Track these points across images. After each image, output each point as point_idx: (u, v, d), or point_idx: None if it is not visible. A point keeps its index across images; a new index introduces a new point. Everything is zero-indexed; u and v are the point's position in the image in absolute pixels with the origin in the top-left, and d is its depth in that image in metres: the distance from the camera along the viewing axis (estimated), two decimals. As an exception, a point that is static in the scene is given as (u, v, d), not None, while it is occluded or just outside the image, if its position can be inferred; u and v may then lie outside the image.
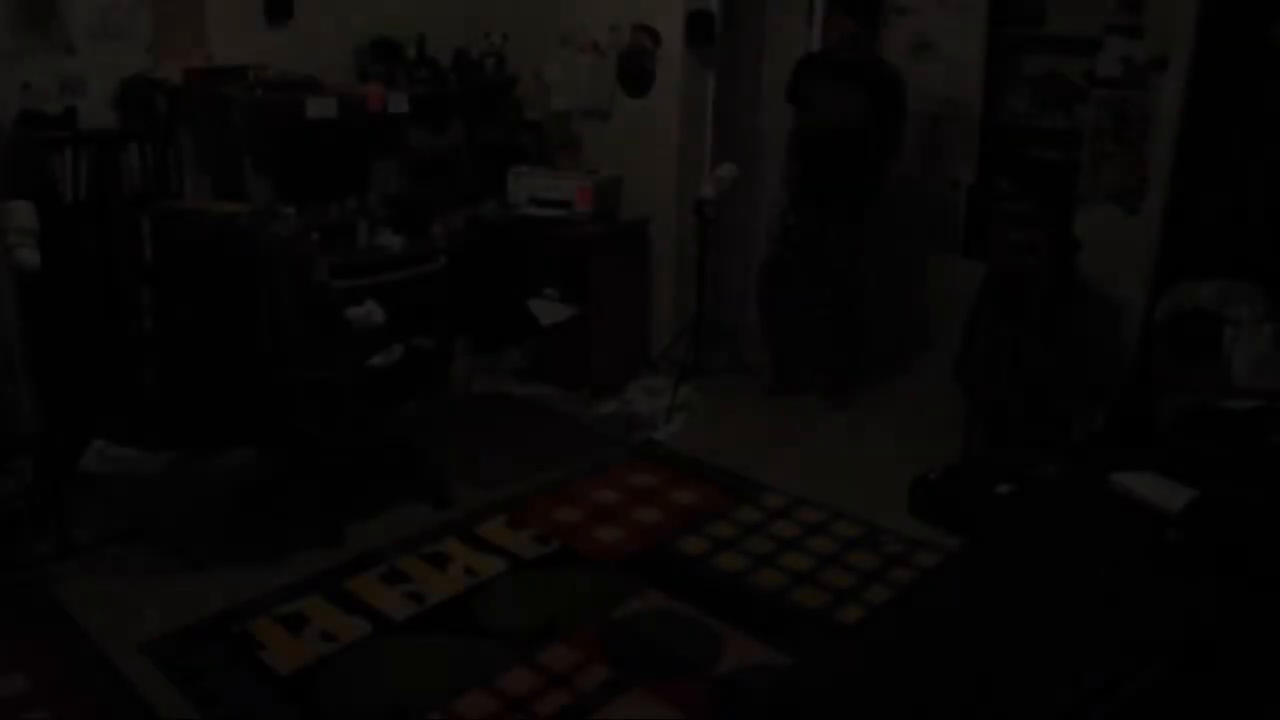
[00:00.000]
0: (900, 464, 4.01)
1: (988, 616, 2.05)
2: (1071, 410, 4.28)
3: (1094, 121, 4.36)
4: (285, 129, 4.47)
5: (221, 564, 3.24)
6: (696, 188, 4.62)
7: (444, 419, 4.28)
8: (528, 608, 3.06)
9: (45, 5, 3.96)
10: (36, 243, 2.95)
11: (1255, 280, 3.95)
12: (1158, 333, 4.10)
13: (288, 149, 4.53)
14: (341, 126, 4.57)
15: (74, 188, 3.93)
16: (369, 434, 3.62)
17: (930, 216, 5.01)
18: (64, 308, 3.67)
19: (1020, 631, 1.99)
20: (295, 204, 4.46)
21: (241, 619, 2.96)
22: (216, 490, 3.73)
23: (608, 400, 4.56)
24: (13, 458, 3.75)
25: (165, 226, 3.21)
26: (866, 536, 3.52)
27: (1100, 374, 4.40)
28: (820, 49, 4.41)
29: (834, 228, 4.35)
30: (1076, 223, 4.44)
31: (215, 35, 4.43)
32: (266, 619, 2.97)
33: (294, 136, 4.51)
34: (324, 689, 2.68)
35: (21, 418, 3.90)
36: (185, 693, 2.65)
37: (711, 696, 2.69)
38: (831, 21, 4.34)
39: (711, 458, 4.14)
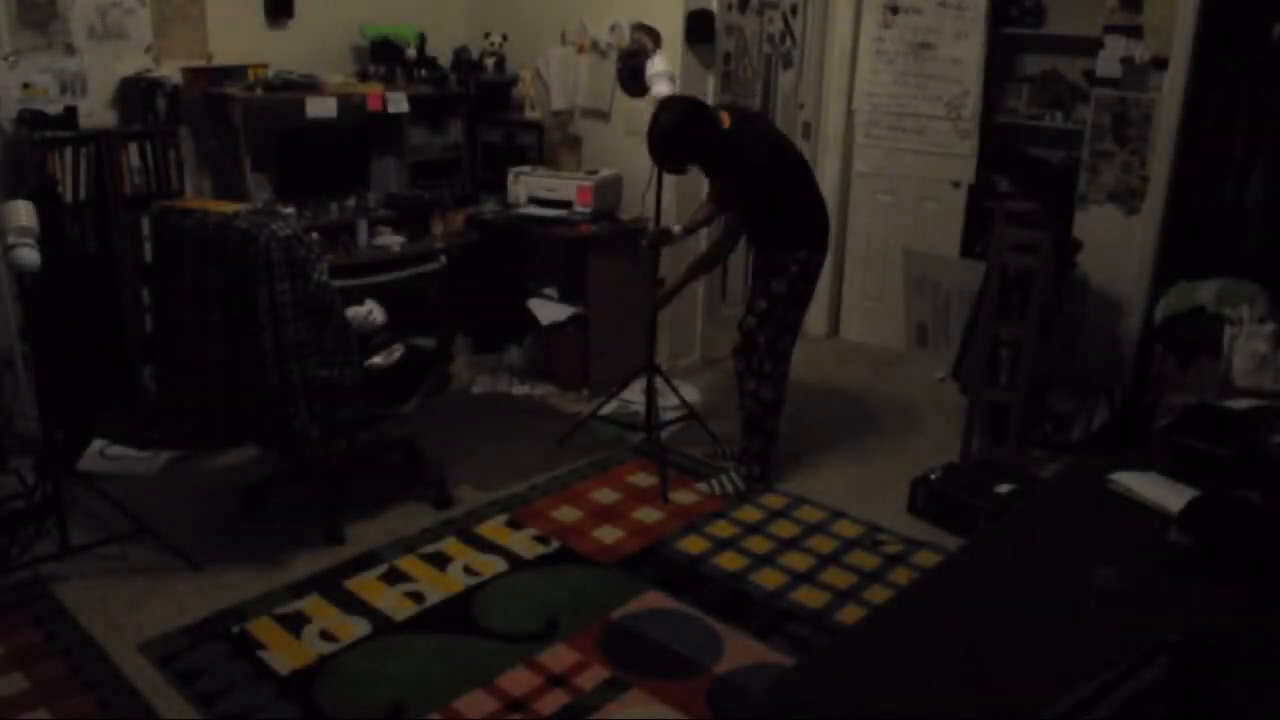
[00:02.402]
0: (900, 464, 4.01)
1: (988, 617, 2.05)
2: (1071, 410, 4.28)
3: (1094, 121, 4.37)
4: (285, 129, 4.48)
5: (221, 564, 3.24)
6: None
7: (444, 419, 4.28)
8: (528, 608, 3.06)
9: (45, 5, 3.97)
10: (36, 242, 2.94)
11: (1255, 280, 3.96)
12: (1157, 333, 4.11)
13: (288, 149, 4.54)
14: (341, 126, 4.59)
15: (74, 188, 3.94)
16: (369, 434, 3.62)
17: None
18: (64, 308, 3.67)
19: (1020, 631, 1.99)
20: (295, 204, 4.49)
21: (241, 619, 2.96)
22: (216, 490, 3.74)
23: (608, 400, 4.56)
24: (12, 458, 3.76)
25: (165, 226, 3.20)
26: (866, 536, 3.53)
27: (1100, 374, 4.40)
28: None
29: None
30: (1076, 223, 4.45)
31: (215, 35, 4.45)
32: (266, 619, 2.97)
33: (294, 136, 4.52)
34: (324, 689, 2.68)
35: (21, 418, 3.91)
36: (185, 693, 2.65)
37: (711, 696, 2.69)
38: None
39: (711, 457, 4.14)
